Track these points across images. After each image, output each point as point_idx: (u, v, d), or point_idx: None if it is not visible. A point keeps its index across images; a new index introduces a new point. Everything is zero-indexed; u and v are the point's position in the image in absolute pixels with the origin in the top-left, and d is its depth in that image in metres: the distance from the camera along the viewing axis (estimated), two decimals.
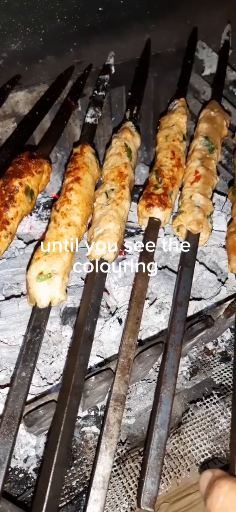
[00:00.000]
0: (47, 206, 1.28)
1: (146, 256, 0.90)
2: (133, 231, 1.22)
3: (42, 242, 0.90)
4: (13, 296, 1.08)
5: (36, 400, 0.77)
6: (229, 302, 0.94)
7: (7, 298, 1.08)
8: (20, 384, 0.74)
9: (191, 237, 0.96)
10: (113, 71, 1.18)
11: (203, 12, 1.31)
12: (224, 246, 1.16)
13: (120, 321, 1.03)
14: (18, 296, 1.09)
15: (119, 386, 0.75)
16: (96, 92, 1.13)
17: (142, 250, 0.93)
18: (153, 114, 1.45)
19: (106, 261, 0.89)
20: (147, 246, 0.92)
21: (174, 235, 1.17)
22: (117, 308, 1.09)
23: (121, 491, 0.89)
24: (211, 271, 1.17)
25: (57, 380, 0.97)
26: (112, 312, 1.08)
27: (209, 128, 1.11)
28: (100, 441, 0.71)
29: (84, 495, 0.88)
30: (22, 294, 1.09)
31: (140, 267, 0.90)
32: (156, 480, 0.69)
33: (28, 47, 1.04)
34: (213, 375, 1.05)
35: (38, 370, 0.98)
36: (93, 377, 0.76)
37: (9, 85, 1.09)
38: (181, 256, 0.94)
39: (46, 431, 0.89)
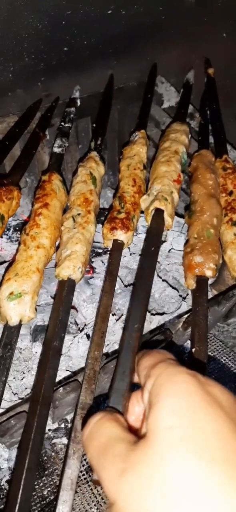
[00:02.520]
0: (17, 228, 1.33)
1: (110, 275, 0.98)
2: (100, 251, 1.30)
3: (12, 264, 0.97)
4: None
5: (7, 412, 0.82)
6: (186, 315, 1.03)
7: None
8: None
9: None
10: (79, 103, 1.27)
11: (161, 50, 1.44)
12: None
13: (88, 336, 1.10)
14: None
15: (86, 396, 0.81)
16: (62, 123, 1.22)
17: (106, 269, 1.01)
18: (118, 143, 1.55)
19: (73, 280, 0.96)
20: (111, 266, 1.00)
21: (140, 254, 1.27)
22: (85, 325, 1.16)
23: (90, 497, 0.95)
24: (173, 287, 1.26)
25: (28, 395, 1.02)
26: (81, 329, 1.15)
27: None
28: (68, 447, 0.77)
29: (55, 503, 0.94)
30: None
31: (105, 285, 0.97)
32: None
33: None
34: None
35: (10, 386, 1.02)
36: (61, 388, 0.82)
37: None
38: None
39: (18, 444, 0.94)
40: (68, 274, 0.95)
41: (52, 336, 0.86)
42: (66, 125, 1.20)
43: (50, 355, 0.83)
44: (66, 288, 0.94)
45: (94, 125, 1.27)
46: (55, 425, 1.02)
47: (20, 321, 0.91)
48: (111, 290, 0.96)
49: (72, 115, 1.23)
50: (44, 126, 1.20)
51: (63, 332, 0.88)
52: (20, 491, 0.69)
